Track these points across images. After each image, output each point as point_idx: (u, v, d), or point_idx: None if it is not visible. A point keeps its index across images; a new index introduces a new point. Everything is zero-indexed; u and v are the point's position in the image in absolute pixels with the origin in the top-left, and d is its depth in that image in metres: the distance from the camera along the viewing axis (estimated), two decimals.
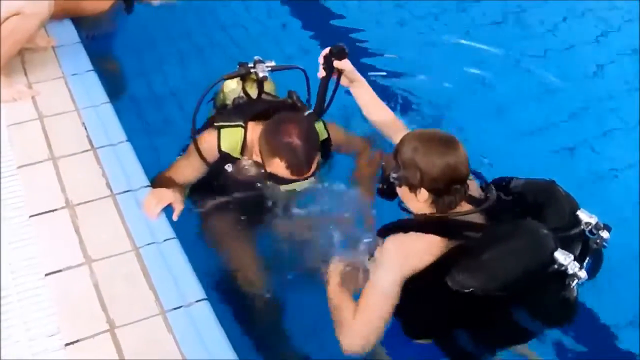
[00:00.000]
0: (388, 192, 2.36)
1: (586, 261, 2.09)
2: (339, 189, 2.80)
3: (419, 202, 2.21)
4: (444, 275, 2.05)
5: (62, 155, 2.72)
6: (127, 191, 2.58)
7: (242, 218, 2.78)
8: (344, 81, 2.64)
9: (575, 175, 3.47)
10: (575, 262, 1.99)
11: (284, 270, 2.72)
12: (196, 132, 2.72)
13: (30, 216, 2.46)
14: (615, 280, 2.73)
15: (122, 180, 2.62)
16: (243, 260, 2.73)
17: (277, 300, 2.67)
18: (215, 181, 2.75)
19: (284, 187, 2.59)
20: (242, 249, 2.76)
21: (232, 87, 2.90)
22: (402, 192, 2.26)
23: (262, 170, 2.59)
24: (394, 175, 2.22)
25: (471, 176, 2.27)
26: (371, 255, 2.34)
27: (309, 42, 4.47)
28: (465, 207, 2.24)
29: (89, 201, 2.52)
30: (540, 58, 4.54)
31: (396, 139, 2.34)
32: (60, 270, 2.26)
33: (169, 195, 2.52)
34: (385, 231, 2.31)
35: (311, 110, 2.71)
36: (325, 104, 2.67)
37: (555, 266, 1.99)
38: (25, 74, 3.17)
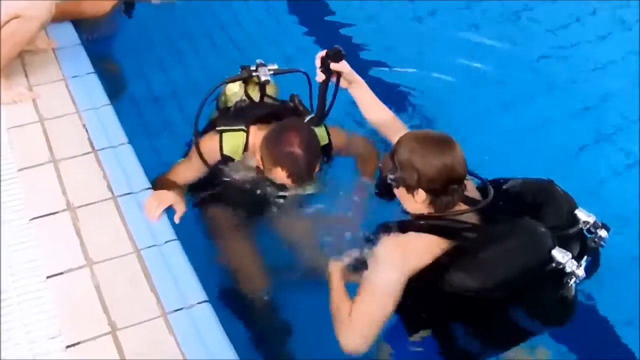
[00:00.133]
0: (386, 193, 2.36)
1: (584, 260, 2.08)
2: (340, 189, 2.81)
3: (416, 203, 2.22)
4: (442, 275, 2.06)
5: (63, 157, 2.73)
6: (128, 193, 2.58)
7: (243, 218, 2.79)
8: (342, 83, 2.63)
9: (575, 174, 3.46)
10: (573, 261, 1.99)
11: (285, 271, 2.73)
12: (198, 134, 2.72)
13: (31, 219, 2.47)
14: (616, 279, 2.74)
15: (123, 182, 2.62)
16: (244, 261, 2.73)
17: (278, 301, 2.68)
18: (215, 181, 2.76)
19: (284, 191, 2.61)
20: (243, 250, 2.76)
21: (234, 90, 2.90)
22: (400, 193, 2.27)
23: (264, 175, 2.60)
24: (391, 176, 2.23)
25: (468, 176, 2.27)
26: (370, 250, 2.34)
27: (311, 44, 4.45)
28: (462, 207, 2.24)
29: (90, 203, 2.53)
30: (543, 55, 4.54)
31: (395, 139, 2.34)
32: (61, 273, 2.27)
33: (170, 197, 2.53)
34: (384, 229, 2.31)
35: (313, 115, 2.71)
36: (326, 108, 2.67)
37: (553, 264, 2.00)
38: (26, 76, 3.17)
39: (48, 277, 2.26)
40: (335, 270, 2.42)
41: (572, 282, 2.01)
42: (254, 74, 2.80)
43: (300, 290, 2.67)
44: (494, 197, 2.24)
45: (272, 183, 2.60)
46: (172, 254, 2.37)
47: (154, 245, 2.39)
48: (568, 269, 1.99)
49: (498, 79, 4.26)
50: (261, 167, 2.59)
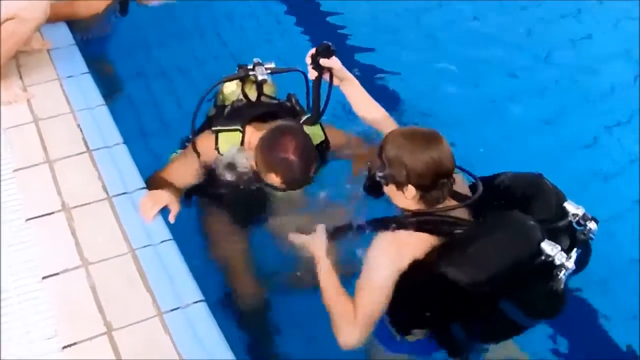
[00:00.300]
0: (375, 191, 2.36)
1: (574, 252, 2.09)
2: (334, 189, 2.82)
3: (407, 200, 2.23)
4: (434, 270, 2.07)
5: (58, 157, 2.73)
6: (123, 193, 2.59)
7: (237, 218, 2.80)
8: (334, 80, 2.61)
9: (575, 173, 3.47)
10: (563, 253, 2.01)
11: (280, 271, 2.74)
12: (195, 133, 2.73)
13: (27, 219, 2.48)
14: (616, 279, 2.75)
15: (118, 182, 2.63)
16: (239, 261, 2.75)
17: (274, 300, 2.69)
18: (211, 180, 2.76)
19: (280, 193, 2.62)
20: (238, 250, 2.77)
21: (231, 89, 2.89)
22: (390, 190, 2.27)
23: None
24: (380, 174, 2.24)
25: (457, 171, 2.28)
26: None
27: (308, 43, 4.45)
28: (452, 202, 2.26)
29: (85, 204, 2.54)
30: (544, 53, 4.54)
31: None
32: (57, 273, 2.28)
33: (165, 197, 2.53)
34: (377, 225, 2.32)
35: (309, 115, 2.70)
36: (321, 107, 2.66)
37: (543, 257, 2.01)
38: (21, 77, 3.17)
39: (44, 278, 2.27)
40: (321, 253, 2.39)
41: (561, 274, 2.02)
42: (250, 72, 2.79)
43: (296, 290, 2.68)
44: (484, 192, 2.25)
45: (267, 184, 2.59)
46: (167, 253, 2.37)
47: (150, 245, 2.39)
48: (557, 262, 2.00)
49: (499, 73, 4.27)
50: (256, 169, 2.58)
